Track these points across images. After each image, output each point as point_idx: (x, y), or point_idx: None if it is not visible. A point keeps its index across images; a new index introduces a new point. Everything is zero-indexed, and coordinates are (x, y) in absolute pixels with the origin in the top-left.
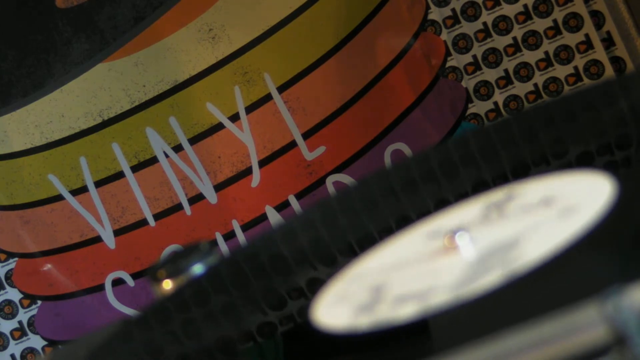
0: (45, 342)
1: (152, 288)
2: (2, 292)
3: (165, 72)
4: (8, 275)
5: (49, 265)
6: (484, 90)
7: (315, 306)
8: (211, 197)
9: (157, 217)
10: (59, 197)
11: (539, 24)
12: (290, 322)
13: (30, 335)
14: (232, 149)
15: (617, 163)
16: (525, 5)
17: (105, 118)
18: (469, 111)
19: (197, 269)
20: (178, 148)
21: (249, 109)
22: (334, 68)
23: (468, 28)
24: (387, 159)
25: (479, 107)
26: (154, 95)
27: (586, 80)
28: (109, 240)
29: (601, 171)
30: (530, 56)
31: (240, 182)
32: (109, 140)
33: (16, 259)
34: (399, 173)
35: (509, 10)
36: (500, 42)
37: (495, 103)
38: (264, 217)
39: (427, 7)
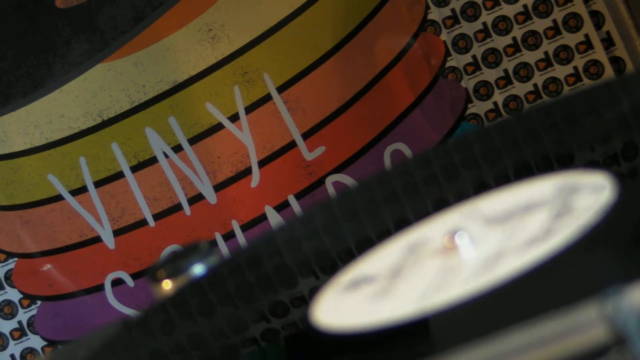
0: (45, 342)
1: (152, 288)
2: (2, 292)
3: (165, 72)
4: (8, 276)
5: (48, 266)
6: (484, 90)
7: (315, 306)
8: (211, 197)
9: (156, 217)
10: (58, 197)
11: (539, 24)
12: (291, 325)
13: (30, 335)
14: (231, 149)
15: (617, 163)
16: (524, 6)
17: (105, 118)
18: (469, 111)
19: (197, 269)
20: (178, 148)
21: (249, 109)
22: (333, 68)
23: (468, 28)
24: (387, 159)
25: (478, 107)
26: (154, 96)
27: (586, 81)
28: (109, 240)
29: (601, 171)
30: (529, 56)
31: (239, 182)
32: (108, 140)
33: (16, 259)
34: (398, 174)
35: (508, 10)
36: (499, 42)
37: (495, 103)
38: (263, 217)
39: (427, 7)
